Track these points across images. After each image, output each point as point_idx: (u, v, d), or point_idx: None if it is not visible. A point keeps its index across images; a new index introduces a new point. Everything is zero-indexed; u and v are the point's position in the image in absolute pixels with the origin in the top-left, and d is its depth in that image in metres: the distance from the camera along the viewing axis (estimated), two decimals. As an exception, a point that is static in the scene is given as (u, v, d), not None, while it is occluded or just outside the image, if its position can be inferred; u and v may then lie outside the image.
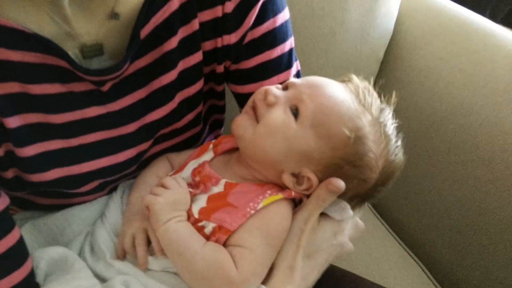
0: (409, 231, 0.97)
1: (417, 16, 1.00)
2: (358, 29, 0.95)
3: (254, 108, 0.54)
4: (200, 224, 0.50)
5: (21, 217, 0.61)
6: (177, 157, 0.64)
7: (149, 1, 0.48)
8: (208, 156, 0.58)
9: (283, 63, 0.61)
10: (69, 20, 0.46)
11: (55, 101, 0.48)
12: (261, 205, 0.49)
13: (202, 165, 0.56)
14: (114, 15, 0.47)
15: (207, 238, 0.50)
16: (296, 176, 0.52)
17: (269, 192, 0.51)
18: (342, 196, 0.52)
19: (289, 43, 0.61)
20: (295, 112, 0.52)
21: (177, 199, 0.52)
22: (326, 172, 0.51)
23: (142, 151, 0.58)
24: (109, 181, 0.60)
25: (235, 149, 0.58)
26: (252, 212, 0.49)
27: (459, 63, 0.89)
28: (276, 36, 0.58)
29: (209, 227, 0.50)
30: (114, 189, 0.63)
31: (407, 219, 0.92)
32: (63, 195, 0.58)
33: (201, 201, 0.52)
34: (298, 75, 0.64)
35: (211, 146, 0.60)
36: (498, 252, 0.81)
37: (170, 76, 0.55)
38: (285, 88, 0.56)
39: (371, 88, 0.56)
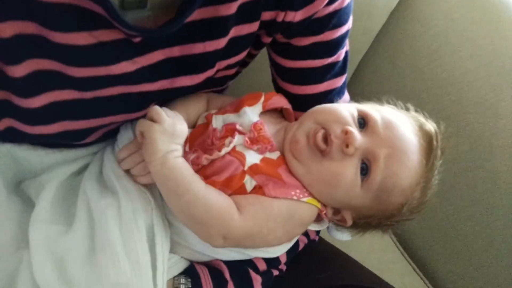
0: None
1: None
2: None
3: (325, 140, 0.49)
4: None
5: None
6: (218, 99, 0.58)
7: None
8: (257, 108, 0.54)
9: (337, 47, 0.55)
10: None
11: (79, 54, 0.41)
12: (305, 200, 0.49)
13: (261, 124, 0.52)
14: None
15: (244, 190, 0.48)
16: (335, 209, 0.53)
17: None
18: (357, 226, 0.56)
19: (347, 25, 0.55)
20: (365, 170, 0.49)
21: (178, 130, 0.48)
22: (361, 216, 0.53)
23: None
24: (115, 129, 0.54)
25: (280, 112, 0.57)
26: (295, 198, 0.49)
27: (469, 31, 0.86)
28: (340, 17, 0.52)
29: (251, 183, 0.48)
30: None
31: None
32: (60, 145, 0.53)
33: (255, 158, 0.50)
34: (346, 54, 0.58)
35: (262, 99, 0.55)
36: (475, 251, 0.85)
37: (217, 44, 0.47)
38: (363, 122, 0.51)
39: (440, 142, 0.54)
